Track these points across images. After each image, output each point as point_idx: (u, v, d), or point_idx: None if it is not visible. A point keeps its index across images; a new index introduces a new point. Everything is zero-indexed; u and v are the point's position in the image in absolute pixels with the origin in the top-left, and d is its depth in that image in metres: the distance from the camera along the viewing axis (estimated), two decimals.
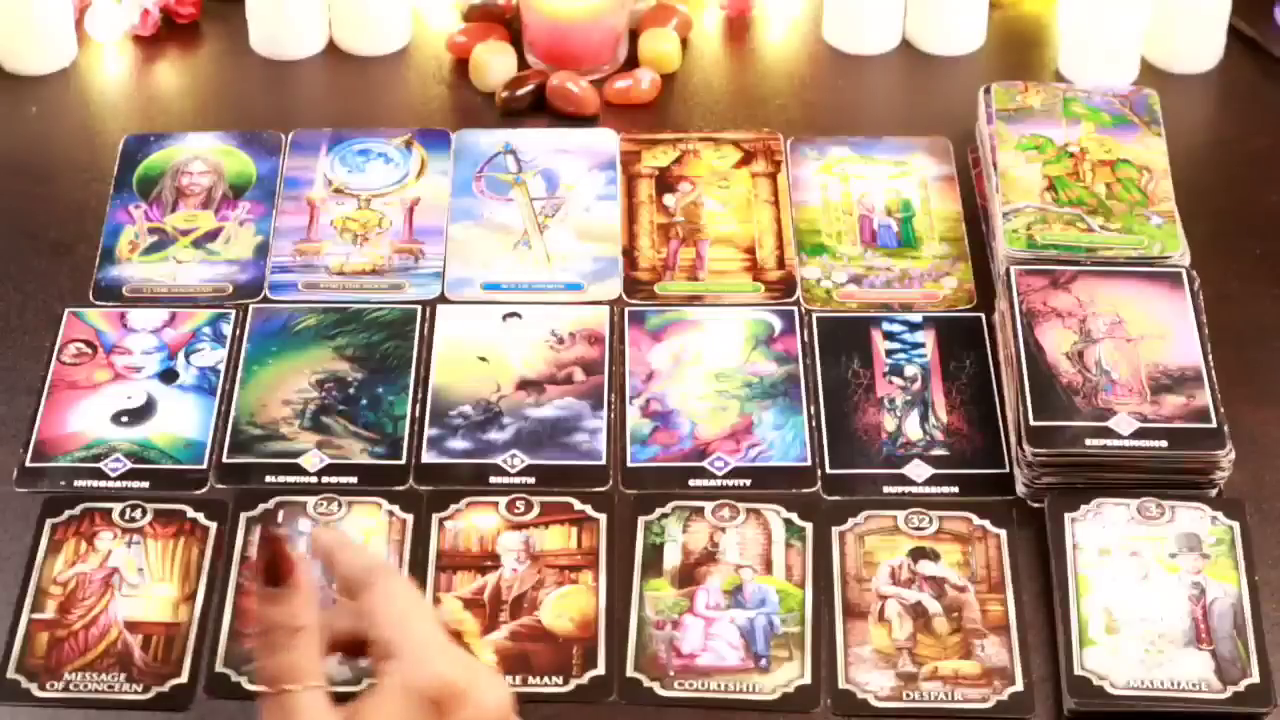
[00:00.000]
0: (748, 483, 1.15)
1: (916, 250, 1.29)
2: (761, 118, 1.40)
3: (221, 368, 1.22)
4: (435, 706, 0.84)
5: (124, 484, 1.15)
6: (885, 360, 1.22)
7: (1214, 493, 1.13)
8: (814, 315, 1.25)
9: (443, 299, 1.26)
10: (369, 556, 0.91)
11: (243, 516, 1.13)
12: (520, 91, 1.40)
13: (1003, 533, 1.12)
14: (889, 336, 1.23)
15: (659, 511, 1.14)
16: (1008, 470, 1.15)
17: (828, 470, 1.16)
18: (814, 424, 1.18)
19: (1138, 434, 1.11)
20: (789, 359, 1.22)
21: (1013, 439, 1.15)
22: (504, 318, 1.25)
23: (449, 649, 0.87)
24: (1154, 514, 1.11)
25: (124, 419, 1.19)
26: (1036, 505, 1.13)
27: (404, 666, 0.85)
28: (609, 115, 1.40)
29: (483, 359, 1.23)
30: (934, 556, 1.11)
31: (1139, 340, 1.16)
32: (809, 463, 1.16)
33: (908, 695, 1.05)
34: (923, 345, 1.23)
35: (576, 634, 1.08)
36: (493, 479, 1.16)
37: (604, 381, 1.21)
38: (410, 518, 1.13)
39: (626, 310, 1.26)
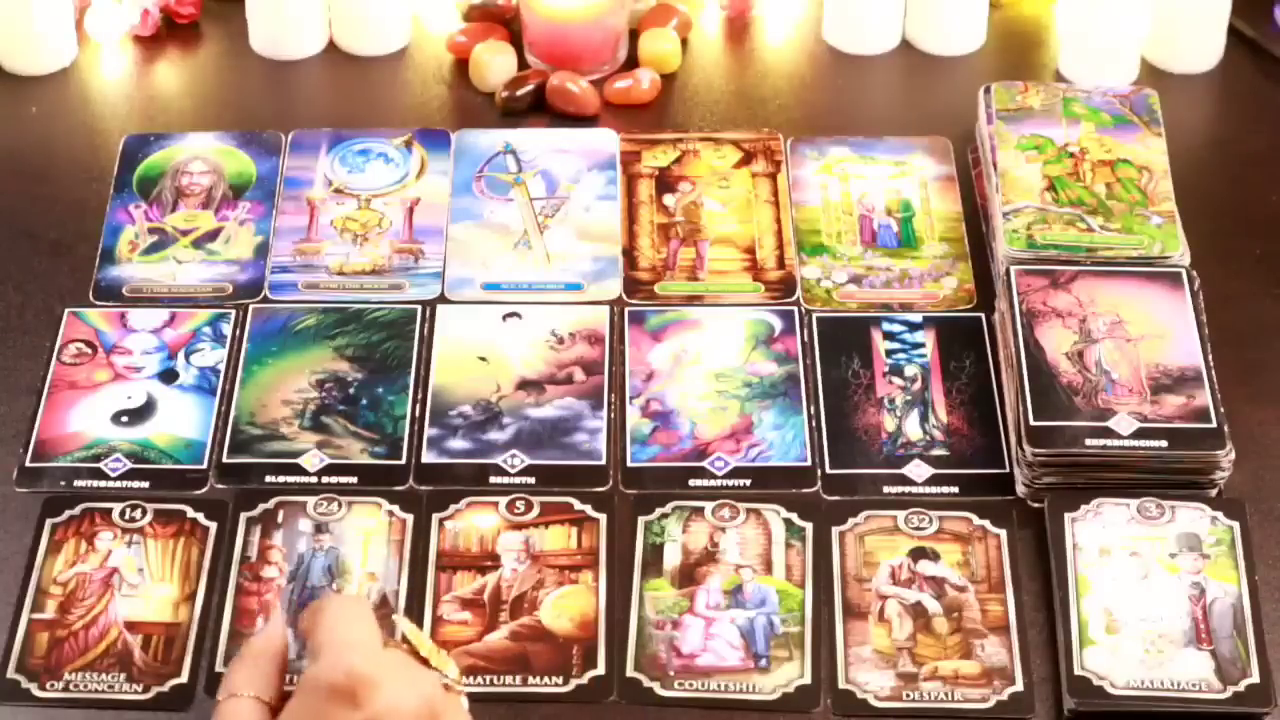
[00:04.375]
0: (748, 483, 1.15)
1: (916, 250, 1.29)
2: (761, 118, 1.40)
3: (221, 368, 1.22)
4: (347, 697, 0.88)
5: (124, 484, 1.16)
6: (885, 360, 1.22)
7: (1214, 493, 1.13)
8: (814, 315, 1.25)
9: (443, 299, 1.26)
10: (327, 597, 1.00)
11: (243, 516, 1.13)
12: (520, 91, 1.40)
13: (1003, 533, 1.12)
14: (889, 336, 1.23)
15: (659, 511, 1.14)
16: (1008, 470, 1.15)
17: (828, 470, 1.16)
18: (814, 424, 1.18)
19: (1138, 434, 1.11)
20: (789, 359, 1.22)
21: (1013, 439, 1.15)
22: (504, 318, 1.25)
23: (372, 649, 0.91)
24: (1154, 514, 1.11)
25: (124, 419, 1.19)
26: (1036, 505, 1.13)
27: (320, 664, 0.90)
28: (609, 115, 1.40)
29: (483, 359, 1.23)
30: (934, 556, 1.11)
31: (1139, 340, 1.16)
32: (809, 463, 1.16)
33: (908, 695, 1.05)
34: (923, 345, 1.23)
35: (576, 634, 1.08)
36: (493, 479, 1.16)
37: (604, 381, 1.21)
38: (410, 518, 1.13)
39: (626, 310, 1.26)
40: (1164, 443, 1.11)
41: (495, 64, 1.42)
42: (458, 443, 1.18)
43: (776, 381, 1.21)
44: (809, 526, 1.13)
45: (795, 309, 1.25)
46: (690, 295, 1.27)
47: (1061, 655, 1.05)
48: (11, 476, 1.16)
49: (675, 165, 1.35)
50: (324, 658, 0.90)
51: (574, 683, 1.06)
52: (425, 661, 0.92)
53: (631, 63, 1.44)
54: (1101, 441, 1.11)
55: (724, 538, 1.12)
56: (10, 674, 1.06)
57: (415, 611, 1.08)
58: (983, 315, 1.24)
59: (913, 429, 1.18)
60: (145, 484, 1.16)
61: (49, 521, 1.13)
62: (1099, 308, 1.18)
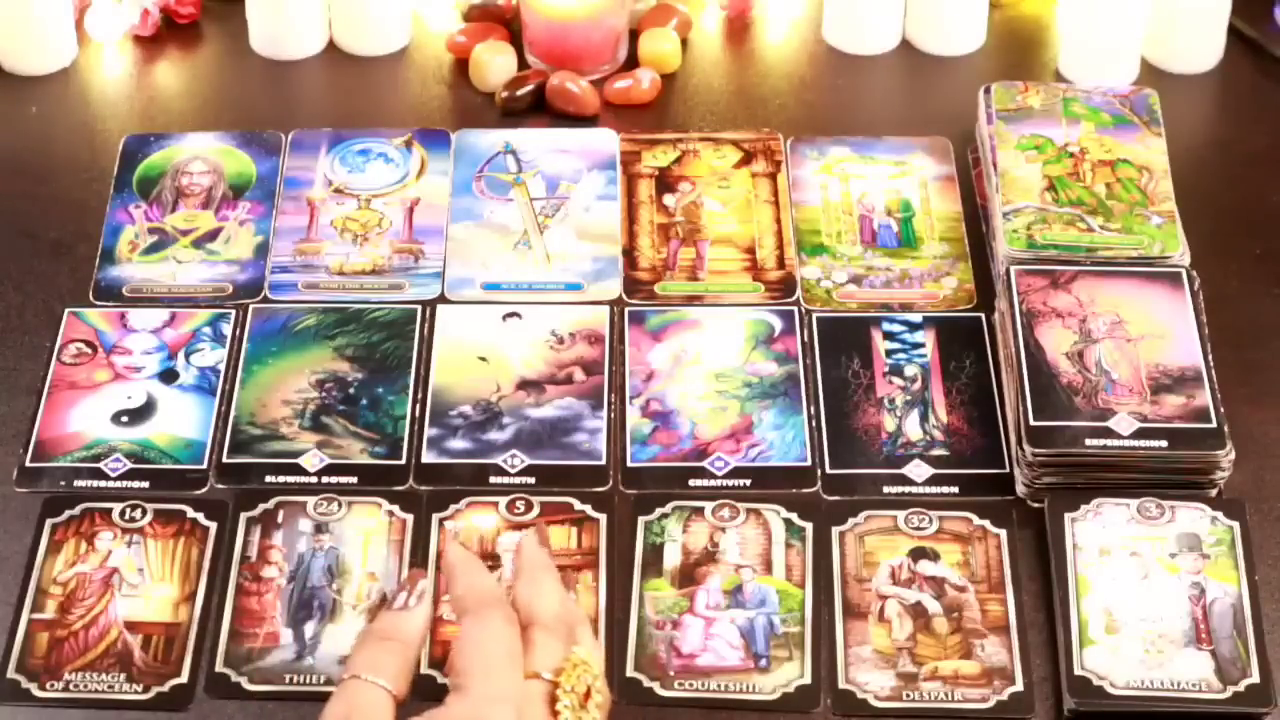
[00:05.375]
0: (748, 483, 1.15)
1: (916, 250, 1.29)
2: (761, 118, 1.40)
3: (221, 368, 1.22)
4: None
5: (124, 484, 1.16)
6: (885, 360, 1.22)
7: (1214, 493, 1.13)
8: (814, 315, 1.25)
9: (443, 299, 1.26)
10: (486, 584, 0.93)
11: (243, 516, 1.13)
12: (520, 91, 1.40)
13: (1003, 533, 1.12)
14: (889, 336, 1.23)
15: (659, 511, 1.14)
16: (1008, 470, 1.15)
17: (828, 470, 1.16)
18: (814, 424, 1.18)
19: (1138, 434, 1.11)
20: (789, 359, 1.22)
21: (1013, 439, 1.15)
22: (504, 318, 1.25)
23: (521, 701, 0.87)
24: (1154, 514, 1.11)
25: (124, 419, 1.19)
26: (1036, 505, 1.13)
27: (467, 705, 0.86)
28: (609, 115, 1.40)
29: (483, 359, 1.23)
30: (934, 556, 1.11)
31: (1139, 340, 1.16)
32: (809, 463, 1.16)
33: (908, 695, 1.05)
34: (923, 345, 1.23)
35: None
36: (493, 479, 1.16)
37: (604, 381, 1.21)
38: (410, 518, 1.13)
39: (626, 310, 1.26)
40: (1164, 443, 1.11)
41: (495, 64, 1.42)
42: (458, 443, 1.18)
43: (776, 381, 1.21)
44: (809, 526, 1.13)
45: (795, 309, 1.25)
46: (690, 295, 1.27)
47: (1061, 655, 1.05)
48: (11, 476, 1.16)
49: (675, 165, 1.35)
50: (472, 695, 0.87)
51: None
52: (554, 700, 0.89)
53: (631, 63, 1.44)
54: (1101, 441, 1.11)
55: (724, 538, 1.12)
56: (10, 674, 1.06)
57: None
58: (983, 315, 1.24)
59: (913, 429, 1.18)
60: (145, 484, 1.16)
61: (49, 521, 1.13)
62: (1099, 308, 1.18)
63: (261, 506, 1.14)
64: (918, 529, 1.12)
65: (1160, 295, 1.19)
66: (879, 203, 1.32)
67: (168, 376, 1.22)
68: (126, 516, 1.13)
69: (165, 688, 1.06)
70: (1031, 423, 1.12)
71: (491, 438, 1.18)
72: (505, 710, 0.86)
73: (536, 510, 1.13)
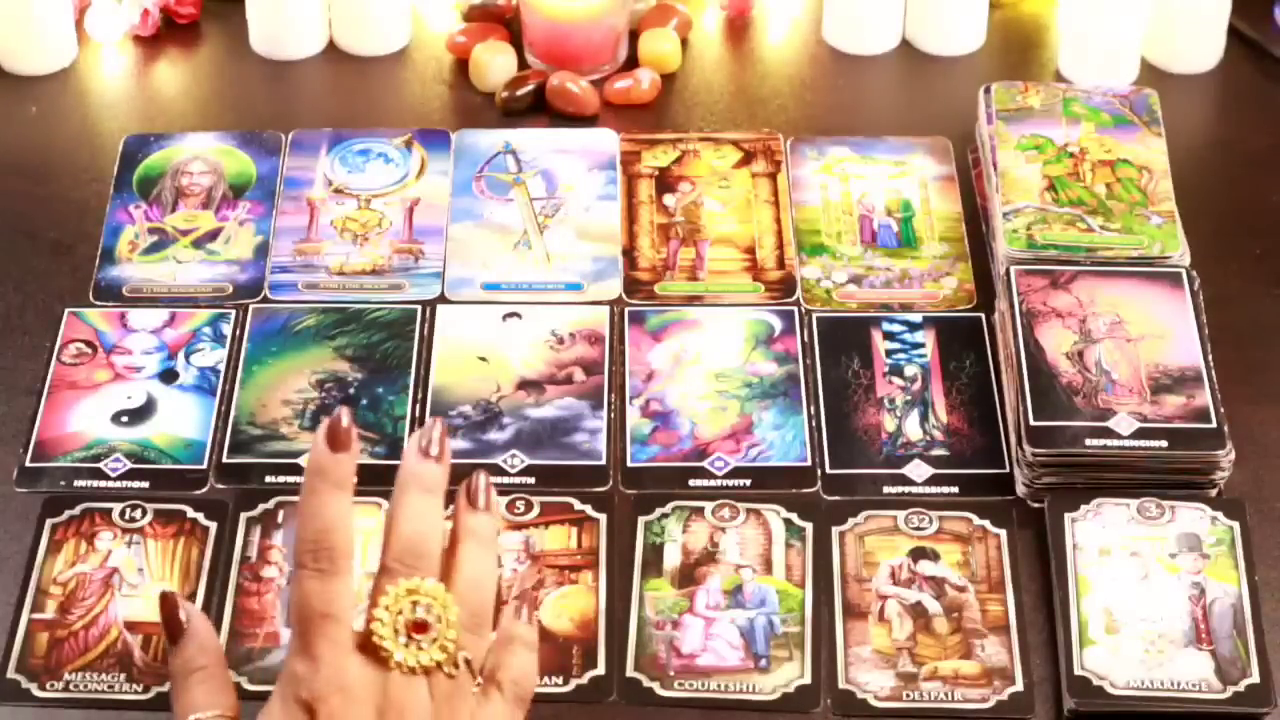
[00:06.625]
0: (748, 483, 1.15)
1: (916, 250, 1.29)
2: (761, 118, 1.40)
3: (221, 368, 1.22)
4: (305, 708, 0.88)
5: (124, 484, 1.16)
6: (885, 360, 1.22)
7: (1214, 493, 1.13)
8: (814, 315, 1.25)
9: (443, 299, 1.26)
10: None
11: (243, 516, 1.13)
12: (520, 91, 1.40)
13: (1003, 533, 1.12)
14: (889, 336, 1.23)
15: (659, 511, 1.14)
16: (1008, 470, 1.15)
17: (828, 470, 1.16)
18: (814, 424, 1.18)
19: (1138, 434, 1.11)
20: (789, 359, 1.22)
21: (1013, 439, 1.15)
22: (504, 318, 1.25)
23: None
24: (1154, 514, 1.11)
25: (124, 419, 1.19)
26: (1036, 505, 1.13)
27: (287, 673, 0.89)
28: (609, 115, 1.40)
29: (483, 359, 1.23)
30: (934, 556, 1.11)
31: (1139, 340, 1.16)
32: (809, 463, 1.16)
33: (908, 695, 1.05)
34: (923, 345, 1.23)
35: (576, 634, 1.08)
36: (493, 479, 1.15)
37: (604, 381, 1.21)
38: None
39: (626, 310, 1.26)
40: (1164, 443, 1.11)
41: (495, 64, 1.42)
42: (458, 443, 1.17)
43: (776, 381, 1.21)
44: (809, 526, 1.13)
45: (795, 309, 1.25)
46: (690, 295, 1.27)
47: (1061, 655, 1.05)
48: (11, 476, 1.16)
49: (675, 165, 1.35)
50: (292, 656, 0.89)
51: (574, 683, 1.06)
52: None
53: (631, 63, 1.44)
54: (1101, 441, 1.11)
55: (724, 538, 1.12)
56: (10, 674, 1.06)
57: None
58: (983, 315, 1.24)
59: (913, 429, 1.18)
60: (145, 484, 1.16)
61: (49, 521, 1.13)
62: (1099, 308, 1.18)
63: (261, 506, 1.14)
64: (918, 529, 1.12)
65: (1160, 295, 1.19)
66: (879, 203, 1.32)
67: (168, 376, 1.22)
68: (126, 516, 1.13)
69: (165, 688, 1.05)
70: (1031, 423, 1.12)
71: (491, 438, 1.18)
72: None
73: (537, 510, 1.13)
